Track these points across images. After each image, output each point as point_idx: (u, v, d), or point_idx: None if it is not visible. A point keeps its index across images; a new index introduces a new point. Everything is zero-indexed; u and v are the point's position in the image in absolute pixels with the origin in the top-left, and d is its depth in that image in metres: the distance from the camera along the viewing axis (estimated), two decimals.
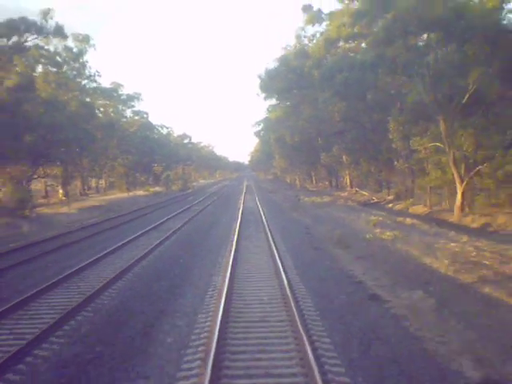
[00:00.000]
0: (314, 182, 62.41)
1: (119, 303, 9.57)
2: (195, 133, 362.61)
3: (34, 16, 38.43)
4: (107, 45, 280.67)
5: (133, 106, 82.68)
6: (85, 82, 60.77)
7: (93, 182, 79.28)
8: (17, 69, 39.17)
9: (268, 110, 63.72)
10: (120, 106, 79.26)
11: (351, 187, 43.28)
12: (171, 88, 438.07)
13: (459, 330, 7.39)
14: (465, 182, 21.50)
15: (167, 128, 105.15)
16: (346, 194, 41.51)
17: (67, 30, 41.39)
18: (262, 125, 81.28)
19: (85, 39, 56.01)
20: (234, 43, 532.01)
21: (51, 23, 39.66)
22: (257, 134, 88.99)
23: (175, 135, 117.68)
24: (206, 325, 7.85)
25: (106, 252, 14.91)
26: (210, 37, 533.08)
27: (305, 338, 6.66)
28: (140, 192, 59.85)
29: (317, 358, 6.18)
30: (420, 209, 26.33)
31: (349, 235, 17.38)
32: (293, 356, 6.52)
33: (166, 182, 70.33)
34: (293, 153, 51.71)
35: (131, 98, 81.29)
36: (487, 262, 11.08)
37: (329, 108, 33.14)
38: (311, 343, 6.68)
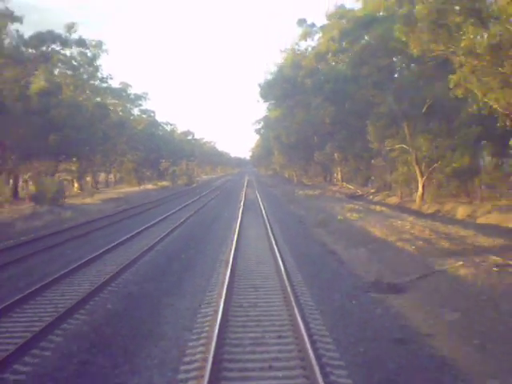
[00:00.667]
0: (310, 177, 67.65)
1: (166, 253, 14.81)
2: (197, 128, 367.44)
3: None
4: (108, 44, 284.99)
5: (140, 105, 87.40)
6: (96, 83, 65.78)
7: (102, 177, 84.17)
8: (43, 76, 44.28)
9: (268, 108, 68.84)
10: (128, 105, 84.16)
11: (342, 182, 48.52)
12: (173, 84, 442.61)
13: (376, 263, 12.63)
14: (424, 177, 26.76)
15: (171, 125, 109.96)
16: (336, 187, 46.74)
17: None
18: (262, 123, 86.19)
19: (98, 45, 61.01)
20: (235, 41, 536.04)
21: (74, 36, 44.85)
22: (257, 131, 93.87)
23: (179, 132, 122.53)
24: (227, 251, 13.15)
25: (139, 230, 19.91)
26: (212, 34, 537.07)
27: (280, 263, 11.86)
28: (149, 186, 65.07)
29: (285, 268, 11.37)
30: (393, 199, 31.63)
31: (328, 218, 22.61)
32: (272, 269, 11.72)
33: (173, 177, 75.59)
34: (290, 150, 56.90)
35: (139, 97, 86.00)
36: (412, 231, 16.35)
37: (320, 112, 38.30)
38: (283, 264, 11.86)
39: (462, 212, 22.42)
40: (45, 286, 10.41)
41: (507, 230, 17.23)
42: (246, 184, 63.12)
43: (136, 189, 59.35)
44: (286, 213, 27.05)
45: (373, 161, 35.34)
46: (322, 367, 5.88)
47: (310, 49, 40.79)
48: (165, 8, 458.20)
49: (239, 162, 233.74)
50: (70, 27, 44.27)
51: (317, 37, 43.75)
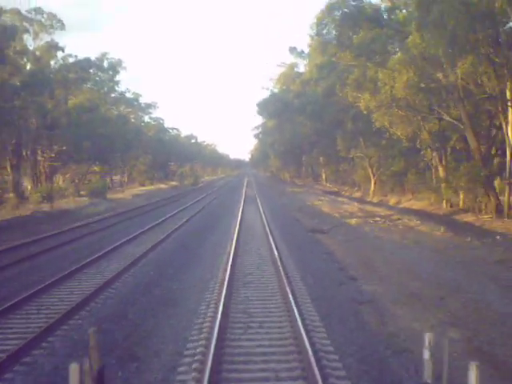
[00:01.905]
0: (302, 178, 78.67)
1: (201, 220, 25.64)
2: (197, 130, 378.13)
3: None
4: (109, 43, 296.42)
5: (150, 113, 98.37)
6: (113, 95, 76.72)
7: (116, 178, 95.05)
8: (82, 96, 55.23)
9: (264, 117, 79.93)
10: (140, 113, 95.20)
11: (325, 181, 59.53)
12: (173, 86, 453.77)
13: (317, 222, 23.53)
14: (375, 177, 37.72)
15: (177, 130, 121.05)
16: (320, 186, 57.72)
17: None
18: (260, 129, 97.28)
19: (117, 63, 72.04)
20: (235, 45, 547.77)
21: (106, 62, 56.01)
22: (256, 136, 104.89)
23: (182, 135, 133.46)
24: (235, 224, 24.03)
25: (175, 212, 30.63)
26: (212, 36, 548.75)
27: (266, 223, 22.71)
28: (162, 185, 76.02)
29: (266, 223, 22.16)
30: (357, 194, 42.61)
31: (304, 206, 33.48)
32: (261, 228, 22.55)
33: (181, 177, 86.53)
34: (283, 156, 67.93)
35: (149, 106, 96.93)
36: (348, 210, 27.30)
37: (304, 127, 49.28)
38: (268, 227, 22.65)
39: (392, 200, 33.37)
40: (142, 232, 21.19)
41: (408, 209, 28.18)
42: (245, 184, 74.11)
43: (151, 188, 70.30)
44: (275, 203, 37.91)
45: (341, 165, 46.39)
46: (276, 244, 16.62)
47: (302, 66, 51.76)
48: (163, 9, 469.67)
49: (239, 164, 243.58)
50: (104, 55, 55.38)
51: (305, 61, 54.82)
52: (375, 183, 38.06)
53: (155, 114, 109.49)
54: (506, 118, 20.41)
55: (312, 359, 6.06)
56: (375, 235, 18.19)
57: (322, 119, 42.63)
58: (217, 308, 8.50)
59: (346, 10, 24.03)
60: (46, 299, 9.93)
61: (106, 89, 71.98)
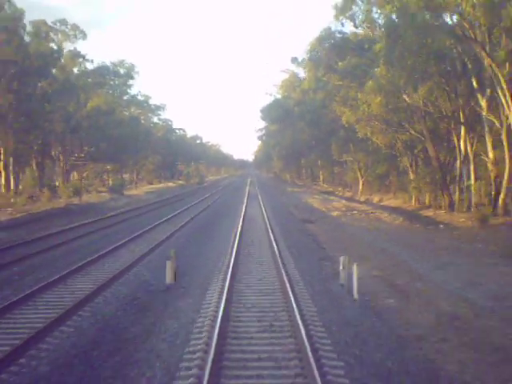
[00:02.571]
0: (302, 179, 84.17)
1: (214, 210, 31.11)
2: (202, 129, 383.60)
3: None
4: (112, 43, 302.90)
5: (159, 114, 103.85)
6: (125, 97, 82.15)
7: (126, 176, 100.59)
8: (98, 99, 60.77)
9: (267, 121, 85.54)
10: (149, 115, 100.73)
11: (323, 182, 64.98)
12: (176, 85, 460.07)
13: (308, 215, 28.97)
14: (363, 179, 43.16)
15: (183, 131, 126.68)
16: (318, 187, 63.18)
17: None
18: (263, 131, 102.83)
19: (130, 67, 77.58)
20: (240, 47, 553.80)
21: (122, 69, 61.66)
22: (259, 138, 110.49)
23: (188, 136, 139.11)
24: (240, 212, 29.50)
25: (190, 205, 36.15)
26: (216, 40, 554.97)
27: (265, 215, 28.15)
28: (169, 184, 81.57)
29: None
30: (349, 194, 48.06)
31: (299, 203, 38.93)
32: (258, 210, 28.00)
33: (187, 177, 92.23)
34: (285, 157, 73.43)
35: (158, 107, 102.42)
36: (335, 206, 32.76)
37: (304, 133, 54.73)
38: (267, 217, 28.07)
39: (376, 199, 38.79)
40: (174, 215, 26.69)
41: (386, 206, 33.59)
42: (248, 183, 79.60)
43: (161, 185, 75.90)
44: (275, 200, 43.35)
45: (336, 168, 51.90)
46: (272, 228, 22.07)
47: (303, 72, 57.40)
48: (165, 11, 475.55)
49: (242, 164, 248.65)
50: (121, 62, 61.12)
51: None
52: (363, 184, 43.51)
53: (163, 115, 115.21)
54: (458, 134, 25.82)
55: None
56: (349, 223, 23.65)
57: (319, 127, 48.11)
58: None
59: (332, 40, 29.45)
60: (137, 243, 15.52)
61: (119, 91, 77.50)
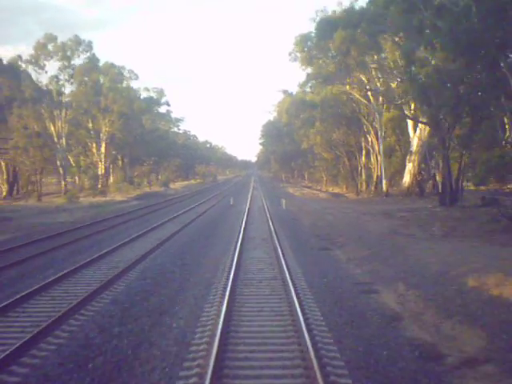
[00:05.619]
0: (294, 177, 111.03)
1: (230, 195, 57.83)
2: (207, 130, 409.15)
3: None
4: (116, 44, 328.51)
5: (178, 125, 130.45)
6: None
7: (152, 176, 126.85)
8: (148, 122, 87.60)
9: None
10: (171, 126, 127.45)
11: (306, 180, 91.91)
12: (178, 86, 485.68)
13: (289, 202, 55.82)
14: (325, 177, 70.08)
15: (195, 137, 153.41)
16: (303, 183, 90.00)
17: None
18: (263, 140, 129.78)
19: (160, 93, 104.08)
20: (245, 53, 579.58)
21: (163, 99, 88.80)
22: (261, 143, 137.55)
23: (200, 141, 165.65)
24: (248, 193, 56.37)
25: (212, 195, 62.65)
26: (223, 47, 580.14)
27: (263, 197, 54.83)
28: (192, 181, 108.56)
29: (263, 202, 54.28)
30: (319, 187, 74.88)
31: (284, 192, 65.79)
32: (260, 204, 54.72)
33: (203, 176, 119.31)
34: (280, 161, 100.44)
35: (178, 120, 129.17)
36: (302, 192, 59.74)
37: (292, 146, 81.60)
38: (265, 202, 54.73)
39: (330, 189, 65.48)
40: (210, 198, 53.47)
41: (331, 192, 60.33)
42: (252, 181, 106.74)
43: (186, 182, 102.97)
44: (270, 192, 70.10)
45: (311, 170, 79.10)
46: (266, 203, 48.77)
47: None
48: (171, 12, 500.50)
49: (246, 165, 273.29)
50: (161, 93, 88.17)
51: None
52: (326, 180, 70.40)
53: (182, 126, 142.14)
54: (359, 153, 52.56)
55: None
56: (300, 197, 50.51)
57: (299, 143, 75.06)
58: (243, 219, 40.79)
59: (295, 100, 55.97)
60: (204, 205, 42.46)
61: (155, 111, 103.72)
